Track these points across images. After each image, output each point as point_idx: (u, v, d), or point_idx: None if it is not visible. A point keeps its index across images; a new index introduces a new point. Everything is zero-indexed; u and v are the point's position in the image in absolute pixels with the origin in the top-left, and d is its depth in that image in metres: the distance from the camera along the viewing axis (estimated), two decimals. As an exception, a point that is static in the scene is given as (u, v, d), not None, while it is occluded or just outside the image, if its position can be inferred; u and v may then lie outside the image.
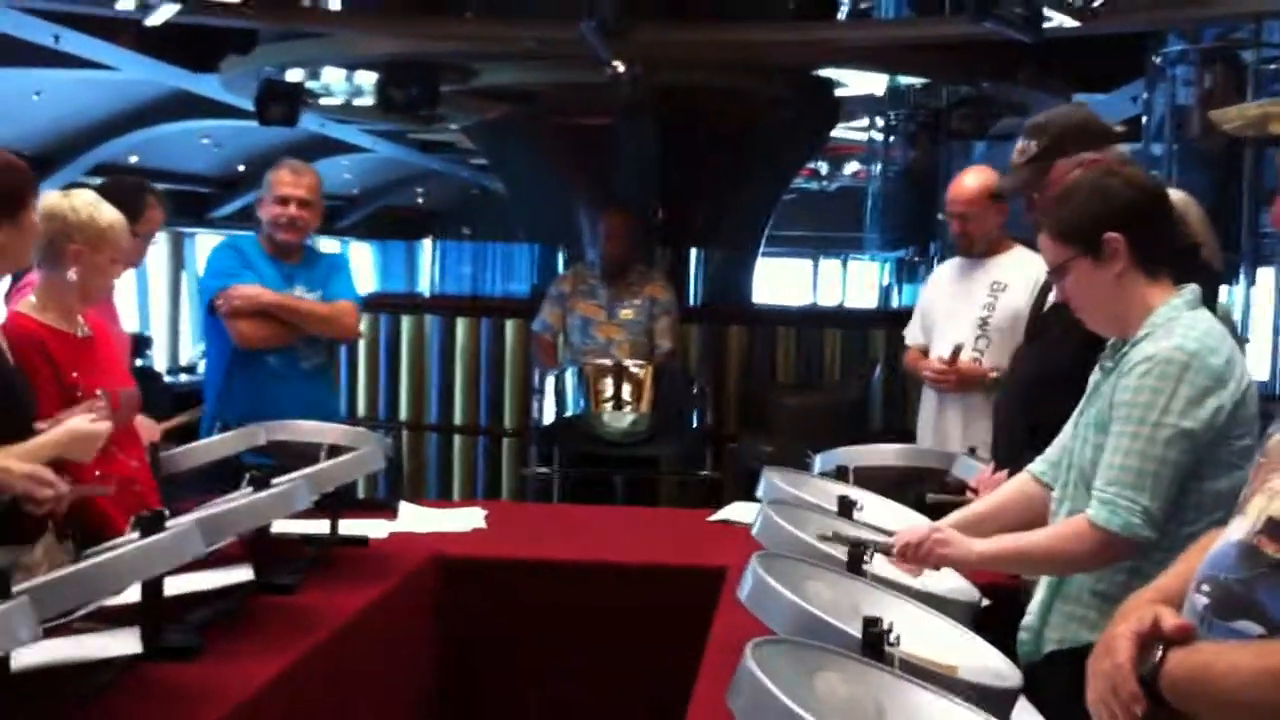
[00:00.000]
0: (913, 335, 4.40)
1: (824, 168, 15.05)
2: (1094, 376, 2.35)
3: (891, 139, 11.39)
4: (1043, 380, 3.01)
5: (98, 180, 4.23)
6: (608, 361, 5.14)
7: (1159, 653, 1.40)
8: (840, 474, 3.40)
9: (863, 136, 12.02)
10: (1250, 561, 1.41)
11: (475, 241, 11.63)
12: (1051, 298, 3.04)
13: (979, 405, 3.96)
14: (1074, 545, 2.19)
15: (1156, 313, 2.25)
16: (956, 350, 4.03)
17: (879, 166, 12.15)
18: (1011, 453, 2.98)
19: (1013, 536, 2.33)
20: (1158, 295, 2.27)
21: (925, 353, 4.29)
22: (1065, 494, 2.35)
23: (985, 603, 2.46)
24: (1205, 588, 1.46)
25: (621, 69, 6.54)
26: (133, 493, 3.11)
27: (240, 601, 2.56)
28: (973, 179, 4.20)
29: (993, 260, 4.16)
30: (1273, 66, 7.82)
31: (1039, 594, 2.37)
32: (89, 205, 3.03)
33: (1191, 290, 2.29)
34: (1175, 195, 3.12)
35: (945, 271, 4.46)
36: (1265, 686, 1.31)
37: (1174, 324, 2.22)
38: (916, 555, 2.32)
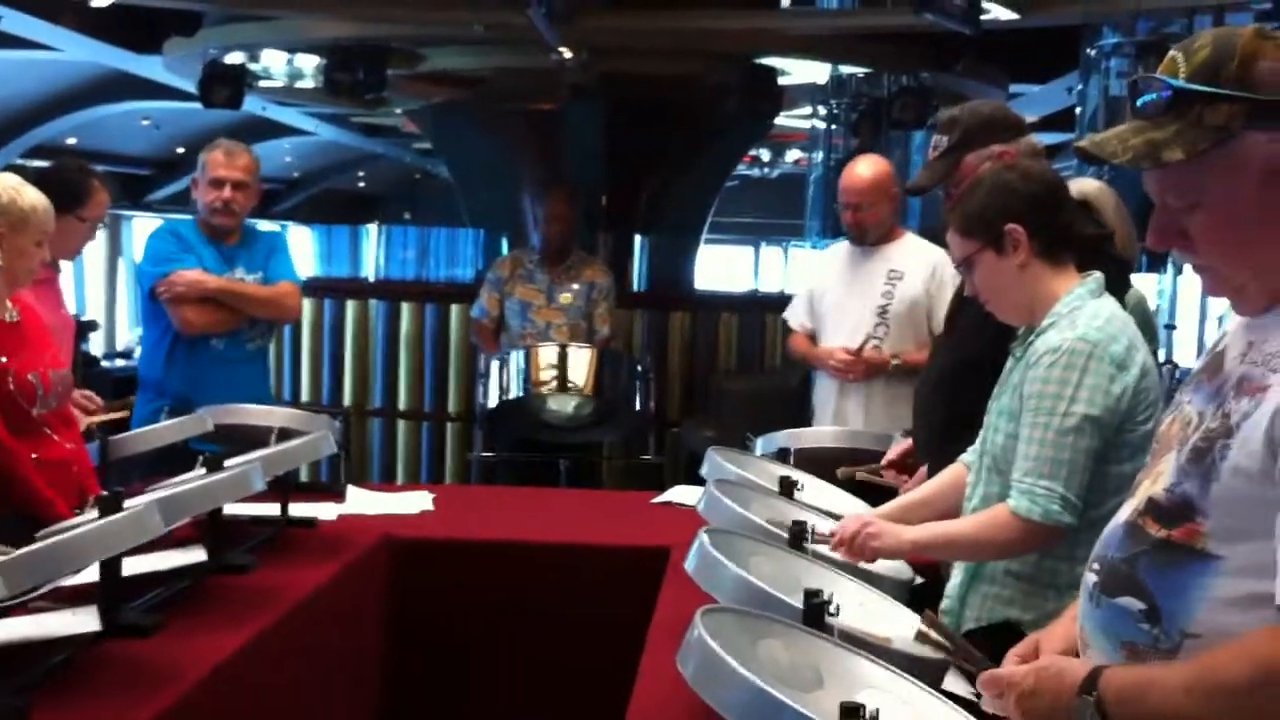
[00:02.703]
0: (797, 318, 4.40)
1: (766, 155, 15.16)
2: (1007, 365, 2.44)
3: (833, 127, 11.48)
4: (958, 369, 3.09)
5: (36, 163, 4.22)
6: (552, 345, 5.18)
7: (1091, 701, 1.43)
8: (781, 456, 3.48)
9: (805, 124, 12.13)
10: (1133, 540, 1.49)
11: (420, 226, 11.59)
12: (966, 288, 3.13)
13: (880, 392, 4.05)
14: (998, 534, 2.26)
15: (1060, 302, 2.32)
16: (864, 342, 4.08)
17: (821, 154, 12.25)
18: (930, 441, 3.06)
19: (941, 525, 2.40)
20: (1062, 284, 2.34)
21: (812, 337, 4.33)
22: (979, 479, 2.43)
23: (918, 580, 2.56)
24: (1095, 566, 1.55)
25: (568, 55, 6.58)
26: (70, 474, 3.11)
27: (196, 581, 2.60)
28: (865, 168, 4.23)
29: (887, 248, 4.20)
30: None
31: (956, 577, 2.45)
32: (10, 189, 3.01)
33: (1095, 279, 2.36)
34: (1090, 186, 3.24)
35: (835, 257, 4.46)
36: (1196, 696, 1.35)
37: (1077, 313, 2.29)
38: (852, 548, 2.39)
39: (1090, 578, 1.55)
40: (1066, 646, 1.64)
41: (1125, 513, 1.54)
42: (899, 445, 3.28)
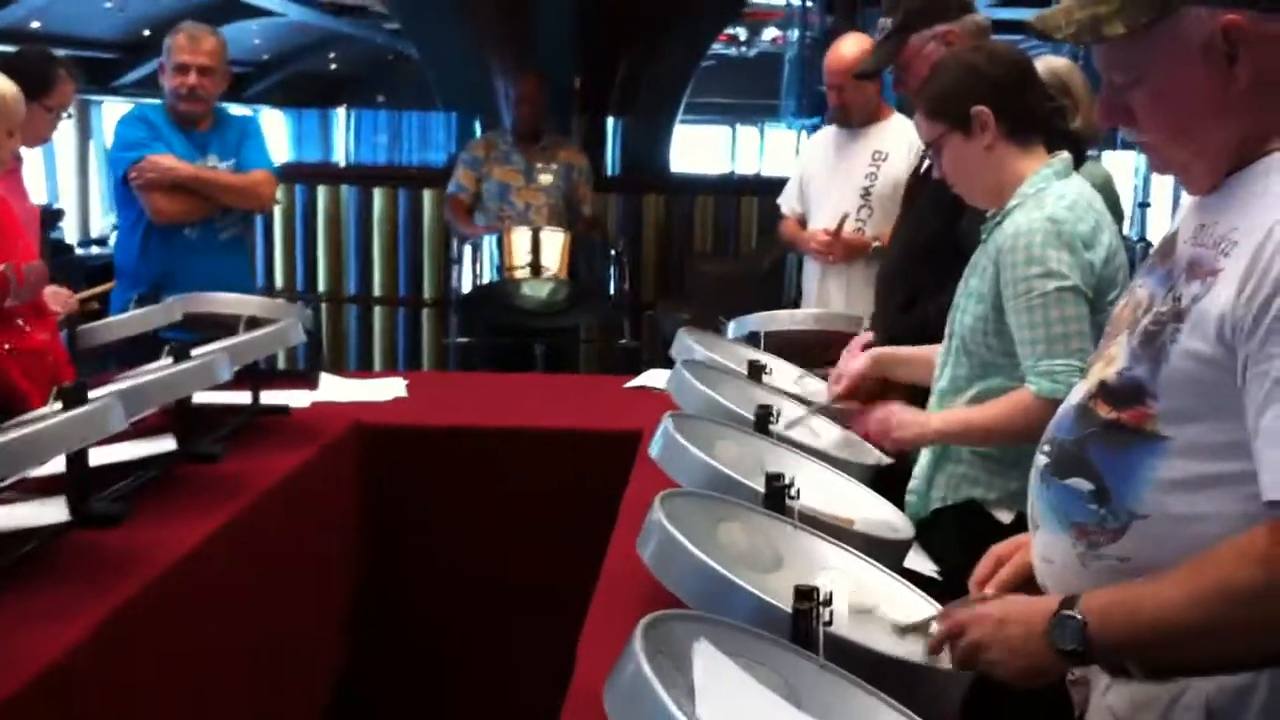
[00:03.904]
0: (788, 203, 4.40)
1: (742, 33, 14.96)
2: (978, 249, 2.43)
3: (810, 4, 11.33)
4: (913, 249, 3.10)
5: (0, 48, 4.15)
6: (525, 229, 5.15)
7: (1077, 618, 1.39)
8: (752, 339, 3.49)
9: (781, 1, 11.96)
10: (1084, 422, 1.50)
11: (390, 109, 11.43)
12: (923, 168, 3.13)
13: (861, 274, 4.01)
14: (1027, 418, 2.20)
15: (1027, 182, 2.31)
16: (841, 221, 4.06)
17: (797, 33, 12.10)
18: (887, 320, 3.07)
19: (964, 413, 2.38)
20: (1028, 165, 2.33)
21: (802, 222, 4.32)
22: (947, 359, 2.44)
23: (885, 461, 2.58)
24: (1046, 448, 1.57)
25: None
26: (45, 365, 3.11)
27: (164, 470, 2.61)
28: (850, 47, 4.15)
29: (872, 129, 4.16)
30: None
31: (923, 459, 2.47)
32: None
33: (1062, 159, 2.35)
34: (1058, 63, 3.21)
35: (822, 140, 4.43)
36: (1204, 606, 1.32)
37: (1044, 194, 2.28)
38: (877, 438, 2.42)
39: (1041, 459, 1.57)
40: None
41: (1077, 395, 1.55)
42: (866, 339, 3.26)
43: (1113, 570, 1.44)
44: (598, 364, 6.28)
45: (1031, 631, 1.43)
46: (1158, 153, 1.50)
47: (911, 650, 1.54)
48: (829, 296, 4.15)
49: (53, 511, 2.21)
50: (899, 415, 2.42)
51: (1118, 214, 3.01)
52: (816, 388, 2.97)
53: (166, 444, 2.66)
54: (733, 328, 3.65)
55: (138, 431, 2.55)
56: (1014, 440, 2.30)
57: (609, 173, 7.25)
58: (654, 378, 3.75)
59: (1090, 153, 3.01)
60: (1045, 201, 2.27)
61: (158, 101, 4.30)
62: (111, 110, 14.47)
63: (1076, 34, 1.43)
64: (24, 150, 3.78)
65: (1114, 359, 1.48)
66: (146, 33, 13.61)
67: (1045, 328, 2.23)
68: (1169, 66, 1.42)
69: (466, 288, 5.14)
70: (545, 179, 5.58)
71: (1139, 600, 1.38)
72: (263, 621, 2.63)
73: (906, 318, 2.95)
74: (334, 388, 3.60)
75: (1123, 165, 9.44)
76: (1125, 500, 1.43)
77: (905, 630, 1.60)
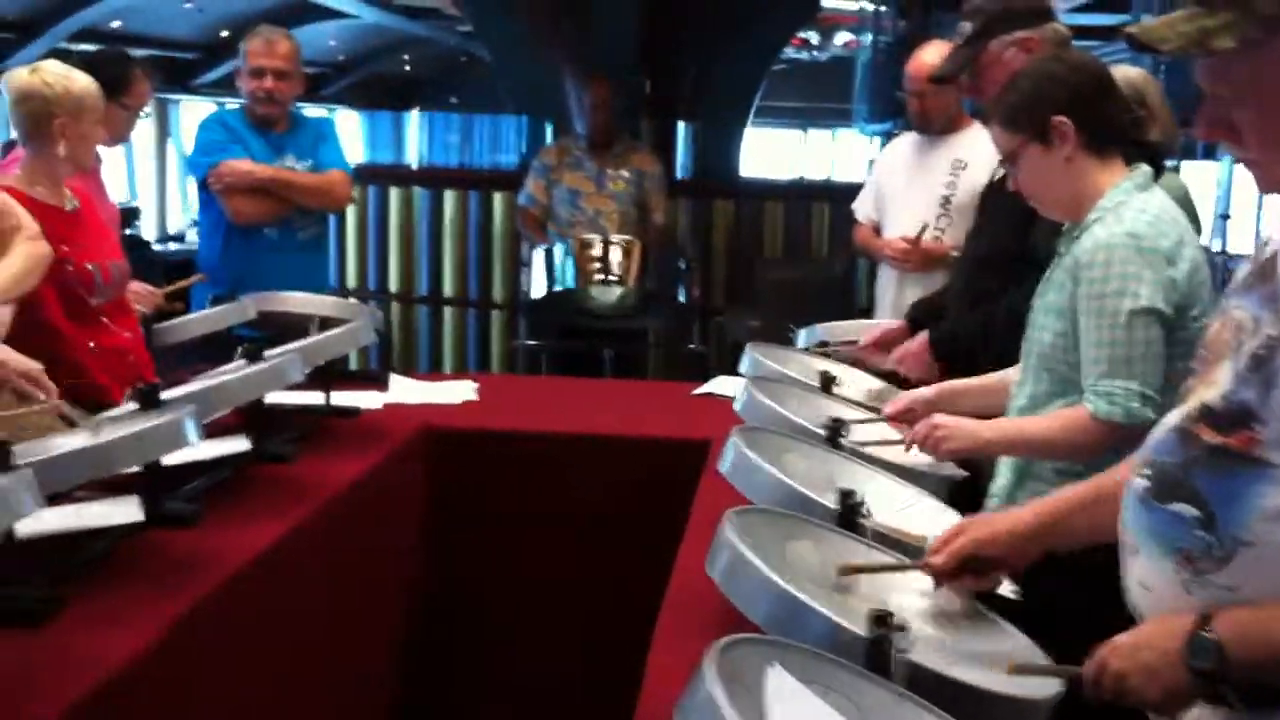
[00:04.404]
0: (864, 210, 4.35)
1: (815, 37, 14.88)
2: (1054, 262, 2.38)
3: (883, 9, 11.24)
4: (983, 260, 3.06)
5: (82, 46, 4.22)
6: (595, 236, 5.16)
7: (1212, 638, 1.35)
8: (823, 349, 3.46)
9: (855, 6, 11.88)
10: (1186, 445, 1.46)
11: (463, 112, 11.50)
12: (997, 178, 3.09)
13: (940, 283, 3.98)
14: (1078, 436, 2.19)
15: (1106, 196, 2.25)
16: (921, 230, 4.01)
17: (870, 37, 12.01)
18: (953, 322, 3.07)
19: (1015, 423, 2.35)
20: (1108, 178, 2.27)
21: (877, 229, 4.27)
22: (1026, 376, 2.39)
23: (962, 475, 2.54)
24: (1145, 471, 1.52)
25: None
26: (127, 363, 3.16)
27: (237, 471, 2.63)
28: (932, 55, 4.06)
29: (952, 137, 4.11)
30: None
31: (1002, 477, 2.41)
32: (61, 77, 3.02)
33: (1143, 172, 2.29)
34: (1134, 73, 3.15)
35: (900, 148, 4.37)
36: None
37: (1124, 207, 2.22)
38: (923, 447, 2.37)
39: (1140, 482, 1.52)
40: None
41: (1174, 417, 1.50)
42: (882, 325, 3.27)
43: (1219, 599, 1.40)
44: (665, 369, 6.26)
45: (1167, 653, 1.39)
46: (1262, 170, 1.45)
47: (989, 678, 1.50)
48: (905, 304, 4.10)
49: (126, 511, 2.23)
50: (949, 424, 2.37)
51: (1195, 227, 2.95)
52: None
53: (240, 444, 2.68)
54: (802, 336, 3.62)
55: (211, 430, 2.56)
56: (1065, 456, 2.28)
57: (678, 177, 7.23)
58: (722, 385, 3.73)
59: (1167, 164, 2.95)
60: (1125, 216, 2.22)
61: (235, 101, 4.35)
62: (190, 109, 14.72)
63: (1183, 46, 1.38)
64: (102, 150, 3.85)
65: (1215, 382, 1.44)
66: (224, 33, 13.81)
67: (1111, 347, 2.18)
68: (1278, 83, 1.37)
69: (537, 292, 5.15)
70: (616, 186, 5.57)
71: (1276, 619, 1.34)
72: (329, 624, 2.64)
73: (970, 316, 2.92)
74: (404, 389, 3.62)
75: (1203, 176, 9.26)
76: (1231, 527, 1.39)
77: (1019, 670, 1.55)
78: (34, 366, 2.51)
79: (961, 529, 1.74)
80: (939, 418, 2.40)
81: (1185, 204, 2.80)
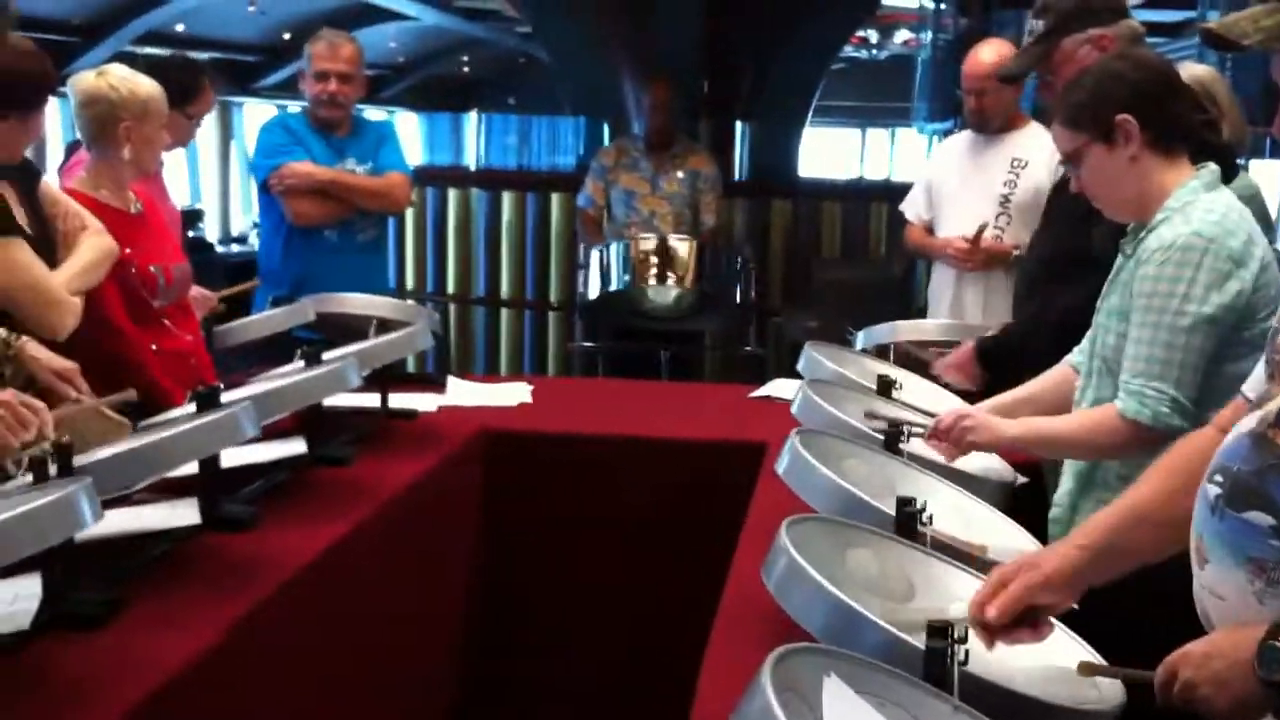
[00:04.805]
0: (914, 210, 4.28)
1: (874, 36, 14.78)
2: (1117, 263, 2.34)
3: (943, 6, 11.14)
4: (1050, 262, 3.01)
5: (147, 50, 4.26)
6: (652, 236, 5.15)
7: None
8: (881, 351, 3.43)
9: (914, 4, 11.79)
10: (1262, 453, 1.43)
11: (521, 114, 11.54)
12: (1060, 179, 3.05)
13: (999, 283, 3.91)
14: (1103, 436, 2.18)
15: (1173, 195, 2.21)
16: (981, 229, 3.96)
17: (929, 35, 11.91)
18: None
19: (1042, 422, 2.33)
20: (1174, 177, 2.23)
21: (929, 228, 4.23)
22: (1089, 381, 2.35)
23: (1021, 480, 2.50)
24: (1218, 478, 1.48)
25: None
26: (188, 366, 3.19)
27: (294, 473, 2.64)
28: (989, 53, 4.05)
29: (1010, 136, 4.06)
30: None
31: (1065, 484, 2.38)
32: (126, 81, 3.06)
33: (1210, 171, 2.24)
34: (1201, 71, 3.09)
35: (955, 147, 4.32)
36: None
37: (1191, 207, 2.18)
38: (947, 439, 2.35)
39: (1212, 489, 1.48)
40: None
41: (1251, 423, 1.46)
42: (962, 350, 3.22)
43: None
44: (723, 371, 6.23)
45: (1237, 663, 1.36)
46: None
47: (1049, 689, 1.48)
48: (964, 304, 4.06)
49: (184, 514, 2.24)
50: (974, 419, 2.34)
51: (1267, 227, 2.89)
52: (951, 403, 2.90)
53: (297, 447, 2.69)
54: (861, 338, 3.58)
55: (268, 433, 2.58)
56: (1089, 456, 2.26)
57: (736, 177, 7.20)
58: (779, 387, 3.71)
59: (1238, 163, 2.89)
60: (1193, 216, 2.17)
61: (297, 102, 4.37)
62: (252, 111, 14.87)
63: (1265, 41, 1.35)
64: (164, 154, 3.89)
65: None
66: (286, 36, 13.94)
67: (1164, 349, 2.14)
68: None
69: (593, 293, 5.15)
70: (670, 187, 5.56)
71: None
72: (386, 627, 2.65)
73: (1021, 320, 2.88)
74: (461, 392, 3.63)
75: (1273, 175, 9.08)
76: None
77: (1090, 671, 1.51)
78: (68, 365, 2.51)
79: (1006, 576, 1.61)
80: (969, 409, 2.38)
81: (1256, 203, 2.75)
